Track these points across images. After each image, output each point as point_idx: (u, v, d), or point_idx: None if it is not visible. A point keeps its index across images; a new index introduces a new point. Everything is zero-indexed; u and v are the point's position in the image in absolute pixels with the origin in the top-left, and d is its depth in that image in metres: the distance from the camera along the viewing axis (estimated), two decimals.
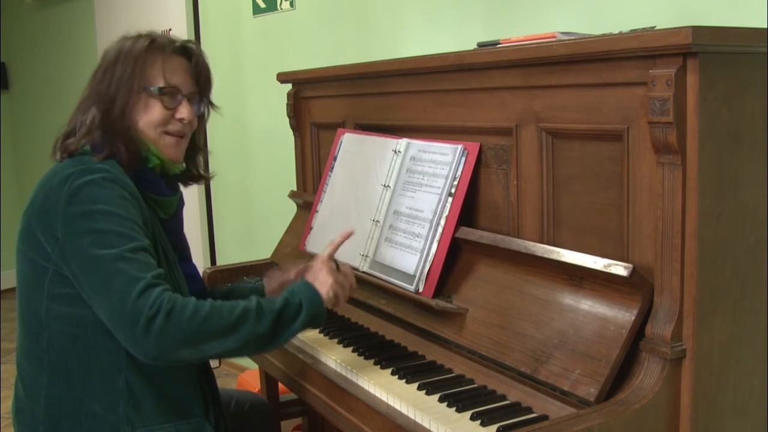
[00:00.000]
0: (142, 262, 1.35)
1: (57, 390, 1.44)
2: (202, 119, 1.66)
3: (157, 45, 1.55)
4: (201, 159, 1.72)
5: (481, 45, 1.75)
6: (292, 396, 2.46)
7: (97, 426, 1.43)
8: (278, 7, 3.25)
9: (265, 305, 1.42)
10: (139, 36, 1.56)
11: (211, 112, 1.69)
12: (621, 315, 1.32)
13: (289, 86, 2.45)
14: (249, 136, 3.54)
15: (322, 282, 1.53)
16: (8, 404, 3.58)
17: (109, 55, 1.55)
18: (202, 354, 1.35)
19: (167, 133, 1.55)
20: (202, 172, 1.73)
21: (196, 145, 1.68)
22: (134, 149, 1.51)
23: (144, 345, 1.30)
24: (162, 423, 1.46)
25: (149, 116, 1.53)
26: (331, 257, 1.62)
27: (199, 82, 1.61)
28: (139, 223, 1.41)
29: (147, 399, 1.45)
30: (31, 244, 1.43)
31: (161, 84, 1.53)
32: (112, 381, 1.42)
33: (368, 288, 1.90)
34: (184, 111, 1.56)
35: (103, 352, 1.41)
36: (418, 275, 1.71)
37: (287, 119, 2.46)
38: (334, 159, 2.13)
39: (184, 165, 1.65)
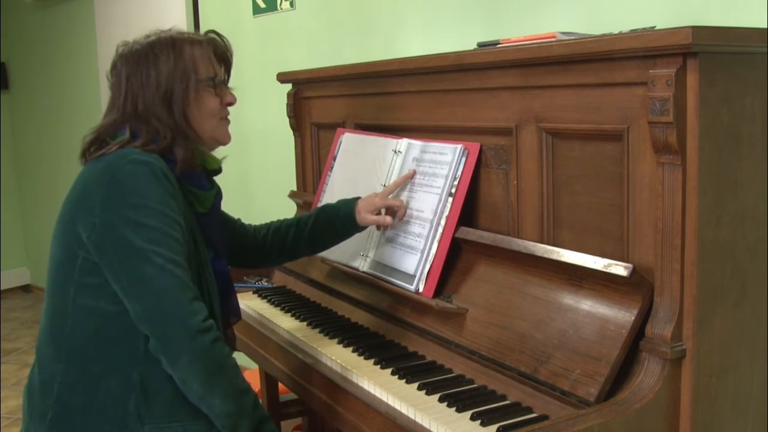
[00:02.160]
0: (185, 269, 1.38)
1: (71, 378, 1.44)
2: None
3: (189, 38, 1.56)
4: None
5: (481, 45, 1.75)
6: (292, 396, 2.46)
7: (105, 417, 1.43)
8: (278, 7, 3.25)
9: (260, 408, 1.44)
10: (161, 33, 1.55)
11: None
12: (621, 315, 1.32)
13: (289, 86, 2.45)
14: (249, 136, 3.54)
15: None
16: (8, 404, 3.60)
17: (139, 57, 1.51)
18: (204, 396, 1.37)
19: (222, 119, 1.60)
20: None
21: None
22: (193, 152, 1.52)
23: (184, 346, 1.33)
24: (171, 422, 1.46)
25: (207, 107, 1.55)
26: None
27: (228, 67, 1.66)
28: (180, 222, 1.42)
29: (159, 396, 1.44)
30: (66, 229, 1.44)
31: (211, 74, 1.56)
32: (126, 374, 1.42)
33: (368, 288, 1.90)
34: (232, 96, 1.62)
35: (121, 344, 1.42)
36: (418, 275, 1.71)
37: (287, 119, 2.46)
38: (334, 159, 2.13)
39: (221, 161, 1.67)
